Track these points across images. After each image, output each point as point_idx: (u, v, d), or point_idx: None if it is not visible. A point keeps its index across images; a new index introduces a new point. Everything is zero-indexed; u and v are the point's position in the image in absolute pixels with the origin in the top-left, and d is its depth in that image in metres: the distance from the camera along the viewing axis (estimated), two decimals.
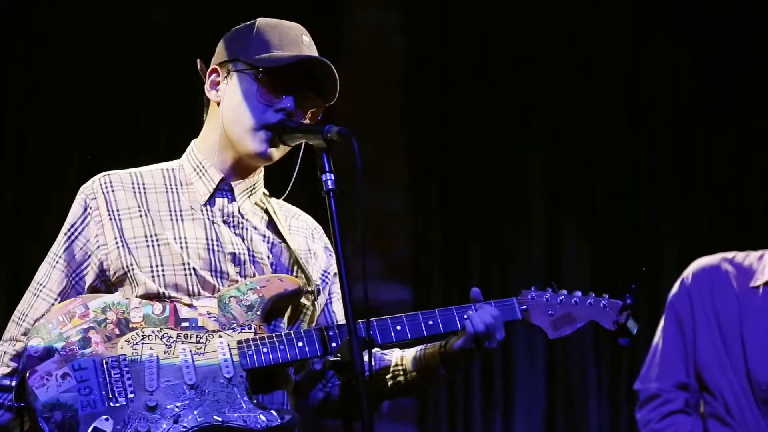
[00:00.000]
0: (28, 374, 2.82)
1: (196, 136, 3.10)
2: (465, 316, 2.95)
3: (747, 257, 3.88)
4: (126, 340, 2.84)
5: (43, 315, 2.91)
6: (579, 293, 3.08)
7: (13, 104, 5.62)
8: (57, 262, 2.98)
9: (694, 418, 3.81)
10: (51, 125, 5.62)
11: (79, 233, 2.98)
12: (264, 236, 3.04)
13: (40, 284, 2.97)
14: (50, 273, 2.97)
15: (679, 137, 6.25)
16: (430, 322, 2.96)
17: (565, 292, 3.07)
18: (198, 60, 3.08)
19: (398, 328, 2.94)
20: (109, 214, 2.96)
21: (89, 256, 2.96)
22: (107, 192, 2.98)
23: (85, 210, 2.98)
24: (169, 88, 5.73)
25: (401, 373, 3.06)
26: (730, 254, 3.91)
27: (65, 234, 2.99)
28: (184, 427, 2.78)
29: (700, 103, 6.26)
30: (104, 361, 2.82)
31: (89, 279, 2.95)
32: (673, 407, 3.79)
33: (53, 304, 2.94)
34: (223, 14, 5.44)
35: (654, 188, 6.23)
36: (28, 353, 2.84)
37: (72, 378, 2.81)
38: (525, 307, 3.04)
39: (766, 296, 3.79)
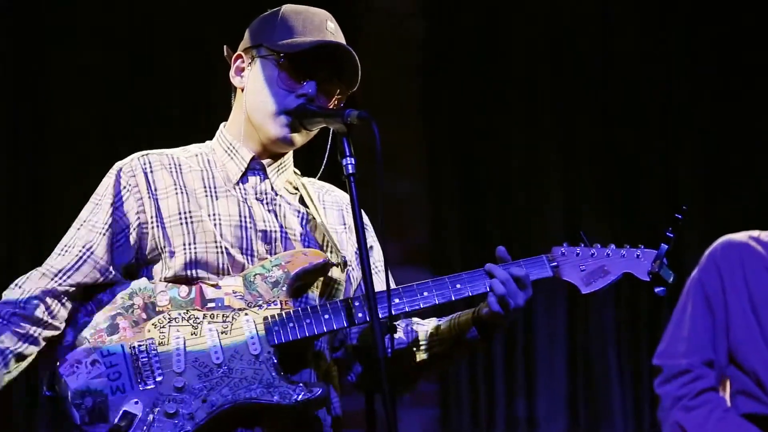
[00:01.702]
0: (58, 364, 2.84)
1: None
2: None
3: None
4: (153, 324, 2.86)
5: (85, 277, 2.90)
6: (613, 246, 3.03)
7: (14, 104, 5.60)
8: (94, 227, 2.94)
9: (725, 396, 3.80)
10: (51, 125, 5.62)
11: (117, 206, 2.95)
12: (297, 212, 3.04)
13: (88, 248, 2.92)
14: (94, 239, 2.93)
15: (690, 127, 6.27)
16: (458, 285, 2.93)
17: (598, 245, 3.03)
18: (225, 46, 3.08)
19: (425, 294, 2.93)
20: (149, 194, 2.96)
21: (126, 228, 2.94)
22: (147, 172, 2.98)
23: (124, 186, 2.97)
24: (170, 89, 5.72)
25: (437, 342, 3.04)
26: (754, 233, 3.87)
27: (102, 206, 2.95)
28: (213, 406, 2.80)
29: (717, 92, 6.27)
30: (132, 346, 2.84)
31: (126, 251, 2.94)
32: (706, 384, 3.75)
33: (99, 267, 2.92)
34: (226, 11, 5.42)
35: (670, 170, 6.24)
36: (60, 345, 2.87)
37: (101, 364, 2.83)
38: (555, 263, 2.99)
39: None
